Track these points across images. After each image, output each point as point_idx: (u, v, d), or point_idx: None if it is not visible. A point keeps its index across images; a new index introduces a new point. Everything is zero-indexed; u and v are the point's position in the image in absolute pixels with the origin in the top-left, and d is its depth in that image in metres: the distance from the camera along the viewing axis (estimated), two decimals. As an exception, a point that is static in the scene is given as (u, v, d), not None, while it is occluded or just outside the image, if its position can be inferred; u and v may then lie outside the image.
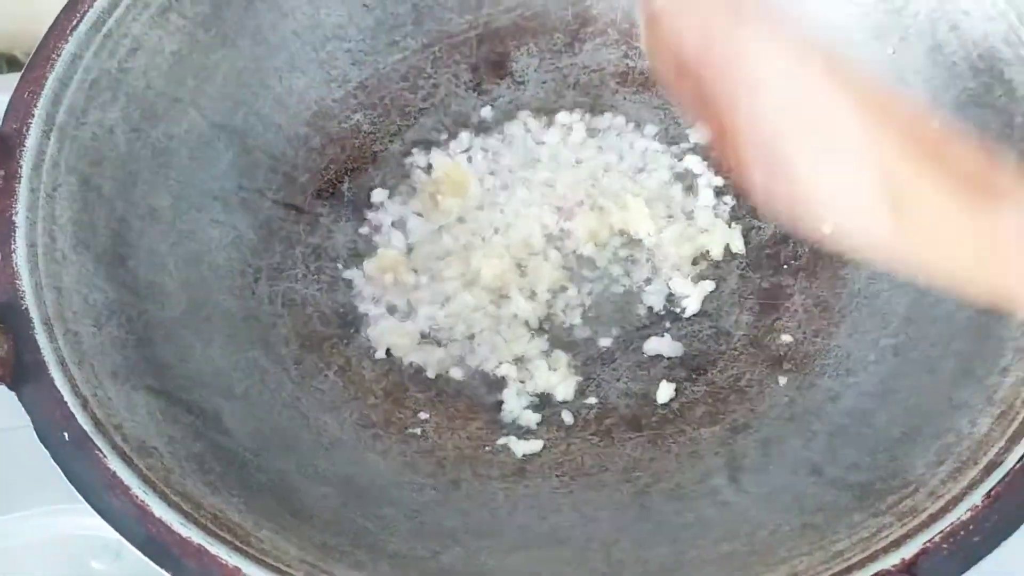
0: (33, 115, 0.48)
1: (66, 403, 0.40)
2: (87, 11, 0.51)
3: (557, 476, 0.47)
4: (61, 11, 0.51)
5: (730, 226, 0.56)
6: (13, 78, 0.74)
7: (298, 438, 0.46)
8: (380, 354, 0.52)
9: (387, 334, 0.53)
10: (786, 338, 0.51)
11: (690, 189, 0.58)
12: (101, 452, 0.38)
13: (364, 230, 0.57)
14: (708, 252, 0.55)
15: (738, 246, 0.55)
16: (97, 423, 0.40)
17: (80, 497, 0.38)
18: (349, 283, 0.55)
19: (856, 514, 0.39)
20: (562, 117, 0.60)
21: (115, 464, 0.38)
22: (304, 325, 0.52)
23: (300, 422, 0.47)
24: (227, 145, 0.56)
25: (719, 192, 0.57)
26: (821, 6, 0.55)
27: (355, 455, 0.47)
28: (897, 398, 0.44)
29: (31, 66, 0.50)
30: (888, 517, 0.37)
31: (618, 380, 0.51)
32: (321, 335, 0.52)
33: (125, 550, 0.37)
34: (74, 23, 0.51)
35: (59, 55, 0.50)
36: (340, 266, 0.55)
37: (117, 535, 0.37)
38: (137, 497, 0.37)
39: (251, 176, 0.56)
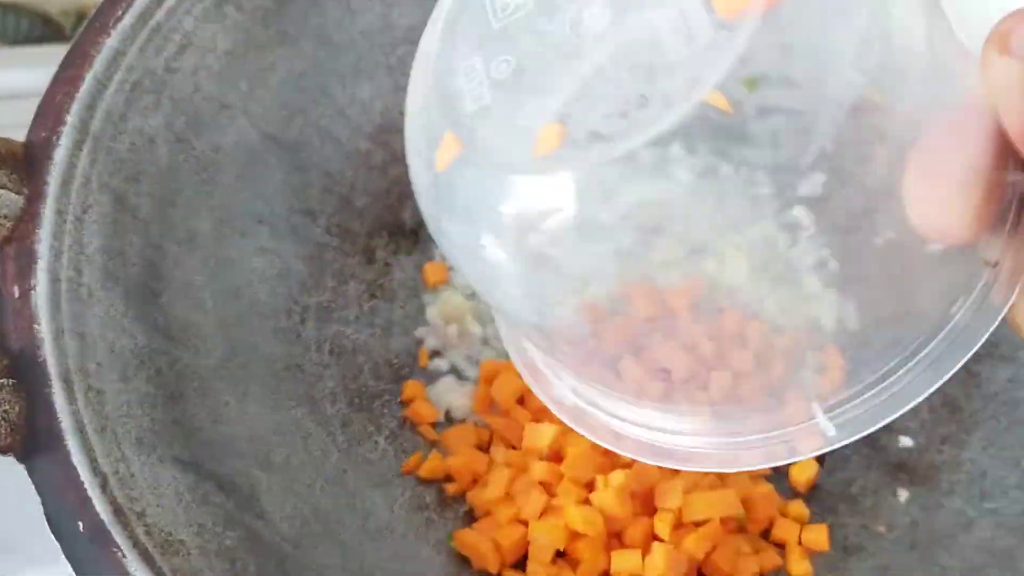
0: (65, 122, 0.41)
1: (82, 483, 0.34)
2: (134, 1, 0.44)
3: (637, 588, 0.41)
4: (104, 1, 0.45)
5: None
6: (46, 51, 0.68)
7: (343, 522, 0.40)
8: (439, 417, 0.46)
9: (447, 394, 0.46)
10: (906, 441, 0.44)
11: (795, 246, 0.51)
12: (120, 550, 0.33)
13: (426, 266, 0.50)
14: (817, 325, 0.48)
15: (853, 322, 0.48)
16: (118, 510, 0.34)
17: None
18: (406, 329, 0.48)
19: None
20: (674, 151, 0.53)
21: (135, 568, 0.32)
22: (354, 379, 0.46)
23: (346, 501, 0.41)
24: (279, 159, 0.49)
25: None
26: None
27: (406, 546, 0.41)
28: (1048, 540, 0.38)
29: (66, 63, 0.43)
30: None
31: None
32: (372, 391, 0.46)
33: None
34: (119, 15, 0.44)
35: (99, 51, 0.43)
36: (397, 309, 0.49)
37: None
38: (158, 614, 0.31)
39: (303, 197, 0.50)
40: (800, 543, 0.41)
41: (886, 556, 0.41)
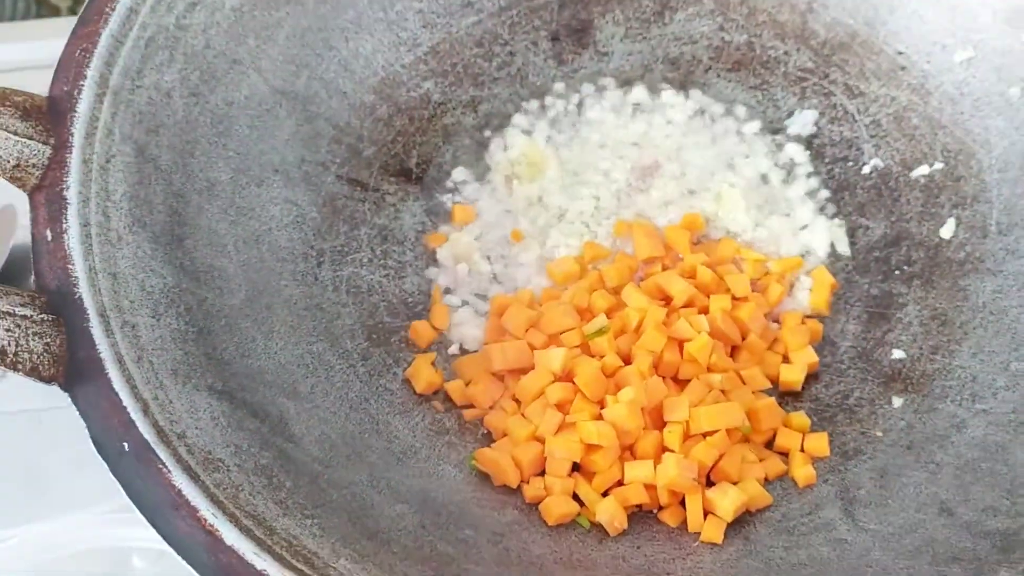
0: (85, 76, 0.43)
1: (125, 408, 0.36)
2: (144, -40, 0.46)
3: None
4: (115, -41, 0.46)
5: (834, 224, 0.51)
6: (46, 25, 0.70)
7: (369, 446, 0.42)
8: (454, 349, 0.48)
9: (462, 326, 0.48)
10: (899, 353, 0.46)
11: (788, 181, 0.53)
12: (165, 466, 0.35)
13: (434, 209, 0.52)
14: (809, 252, 0.50)
15: (843, 247, 0.50)
16: (160, 431, 0.36)
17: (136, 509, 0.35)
18: (418, 270, 0.50)
19: (1003, 570, 0.35)
20: (668, 96, 0.55)
21: (180, 481, 0.34)
22: (370, 316, 0.48)
23: (370, 426, 0.44)
24: (289, 112, 0.51)
25: (822, 185, 0.52)
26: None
27: (430, 466, 0.43)
28: (1035, 432, 0.40)
29: (83, 20, 0.45)
30: (1044, 579, 0.33)
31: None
32: (389, 327, 0.48)
33: (168, 550, 0.34)
34: (130, -27, 0.46)
35: (114, 8, 0.45)
36: (408, 251, 0.51)
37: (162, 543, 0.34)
38: (206, 521, 0.34)
39: (314, 148, 0.51)
40: (802, 450, 0.43)
41: (884, 457, 0.43)
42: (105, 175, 0.42)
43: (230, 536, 0.33)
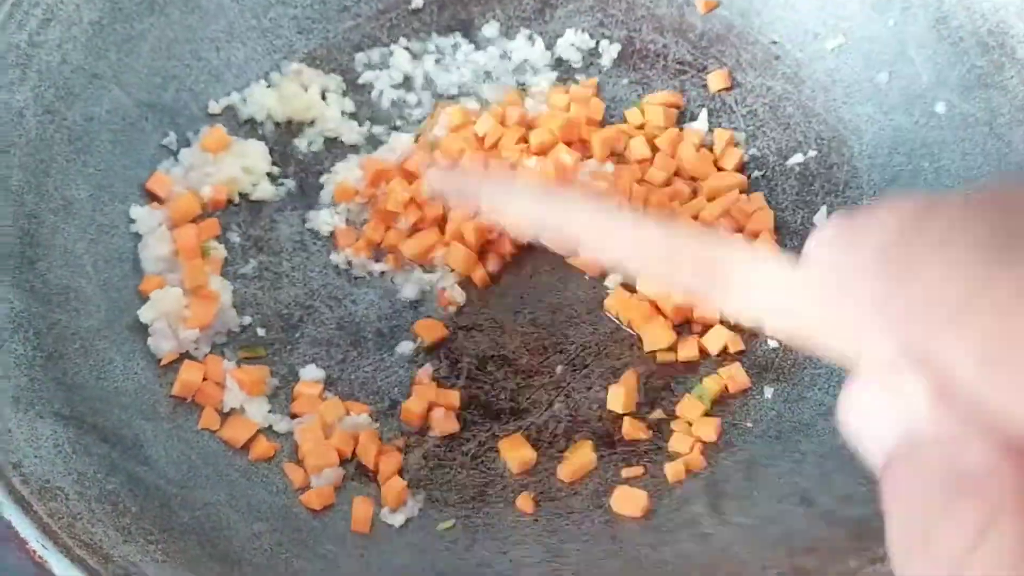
0: (-75, 98, 0.42)
1: (-45, 440, 0.35)
2: (-11, -23, 0.45)
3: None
4: (-42, -23, 0.45)
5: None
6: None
7: (232, 463, 0.42)
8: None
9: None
10: (773, 343, 0.46)
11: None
12: (-6, 498, 0.34)
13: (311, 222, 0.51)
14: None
15: (721, 238, 0.50)
16: (-8, 462, 0.35)
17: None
18: (294, 281, 0.49)
19: (851, 558, 0.34)
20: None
21: (10, 511, 0.33)
22: (242, 331, 0.47)
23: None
24: (155, 126, 0.50)
25: (701, 177, 0.52)
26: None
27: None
28: (895, 418, 0.40)
29: (-77, 41, 0.44)
30: (887, 566, 0.33)
31: (589, 388, 0.46)
32: (263, 341, 0.47)
33: None
34: (-27, -9, 0.45)
35: (-44, 28, 0.44)
36: (284, 262, 0.50)
37: None
38: (35, 552, 0.33)
39: (184, 161, 0.50)
40: (691, 428, 0.43)
41: (752, 449, 0.43)
42: (-54, 200, 0.41)
43: (60, 567, 0.33)
